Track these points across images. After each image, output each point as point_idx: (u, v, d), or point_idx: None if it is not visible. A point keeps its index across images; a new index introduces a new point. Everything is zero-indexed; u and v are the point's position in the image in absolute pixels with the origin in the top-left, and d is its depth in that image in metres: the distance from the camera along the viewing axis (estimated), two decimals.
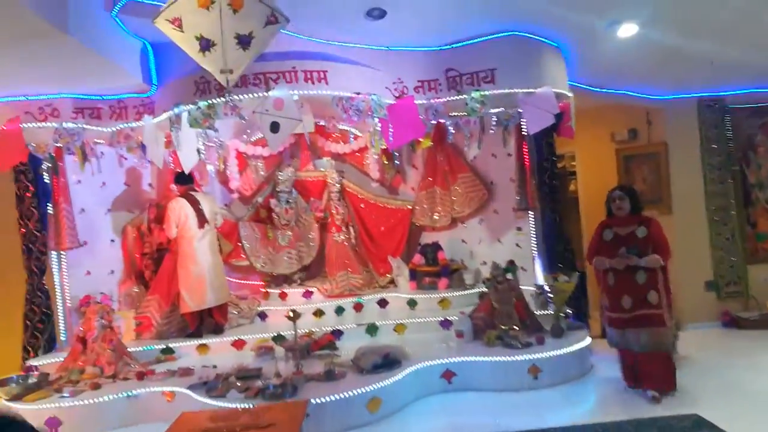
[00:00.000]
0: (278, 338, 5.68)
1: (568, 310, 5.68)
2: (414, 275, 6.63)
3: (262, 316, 6.52)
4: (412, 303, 6.39)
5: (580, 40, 5.39)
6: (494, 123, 5.62)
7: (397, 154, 6.69)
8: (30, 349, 5.71)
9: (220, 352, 5.73)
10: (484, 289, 5.77)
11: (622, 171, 7.20)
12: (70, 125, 4.91)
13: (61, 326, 5.97)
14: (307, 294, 6.63)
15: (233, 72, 3.58)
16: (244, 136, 6.60)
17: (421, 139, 6.47)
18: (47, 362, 5.50)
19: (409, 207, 7.08)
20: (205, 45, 3.55)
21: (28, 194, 5.65)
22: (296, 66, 4.60)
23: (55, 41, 3.79)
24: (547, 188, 6.19)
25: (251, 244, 6.97)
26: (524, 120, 5.66)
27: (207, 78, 4.20)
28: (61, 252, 5.90)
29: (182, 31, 3.53)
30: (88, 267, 6.13)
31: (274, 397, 4.18)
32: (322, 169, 7.23)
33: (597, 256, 4.56)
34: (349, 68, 4.98)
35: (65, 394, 4.71)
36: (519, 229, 6.41)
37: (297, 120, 4.14)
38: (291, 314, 4.63)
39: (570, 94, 5.66)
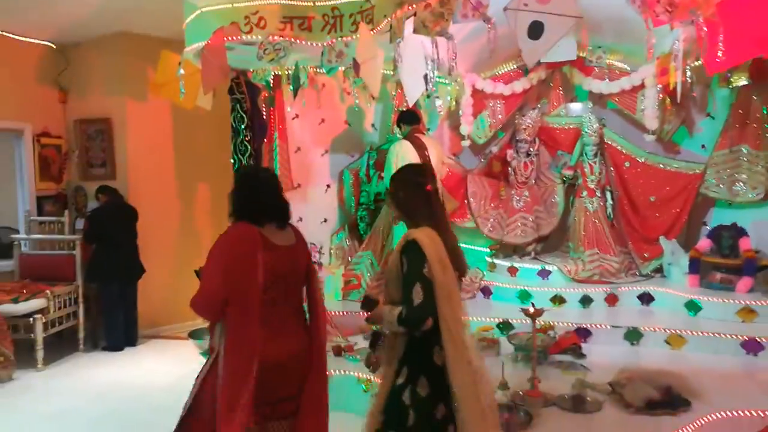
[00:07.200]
0: (505, 327, 4.62)
1: None
2: (696, 267, 4.85)
3: (485, 291, 5.41)
4: (692, 306, 4.62)
5: None
6: None
7: (694, 95, 4.73)
8: None
9: None
10: None
11: None
12: (277, 38, 4.08)
13: None
14: (544, 273, 5.28)
15: None
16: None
17: (731, 75, 4.56)
18: None
19: (698, 171, 5.15)
20: None
21: (243, 127, 5.14)
22: None
23: None
24: None
25: (479, 204, 5.80)
26: None
27: None
28: None
29: None
30: (300, 213, 5.52)
31: None
32: (576, 115, 5.66)
33: None
34: None
35: None
36: None
37: (574, 17, 2.64)
38: (531, 310, 3.27)
39: None
